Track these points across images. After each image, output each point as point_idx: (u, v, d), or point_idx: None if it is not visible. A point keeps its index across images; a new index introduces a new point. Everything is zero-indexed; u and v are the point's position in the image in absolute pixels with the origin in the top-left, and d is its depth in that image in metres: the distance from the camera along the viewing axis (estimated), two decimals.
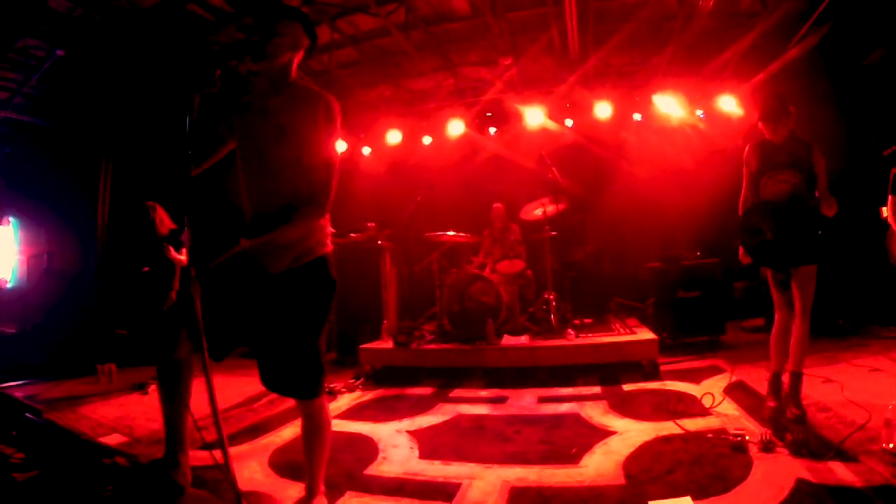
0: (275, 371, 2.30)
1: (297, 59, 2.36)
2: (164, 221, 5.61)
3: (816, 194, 3.39)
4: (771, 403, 3.48)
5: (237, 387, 5.21)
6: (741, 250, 3.67)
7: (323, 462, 2.42)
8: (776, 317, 3.64)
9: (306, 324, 2.26)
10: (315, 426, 2.36)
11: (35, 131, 7.99)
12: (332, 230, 5.03)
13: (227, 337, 2.28)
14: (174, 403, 2.27)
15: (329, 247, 2.41)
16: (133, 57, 6.35)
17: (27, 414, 2.75)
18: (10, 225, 9.07)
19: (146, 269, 5.64)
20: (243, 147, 2.36)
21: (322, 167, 2.24)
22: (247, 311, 2.28)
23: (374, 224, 6.45)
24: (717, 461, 2.82)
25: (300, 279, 2.25)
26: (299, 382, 2.28)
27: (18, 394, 5.34)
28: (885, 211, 4.41)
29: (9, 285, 8.97)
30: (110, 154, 7.64)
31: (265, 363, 2.31)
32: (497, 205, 7.17)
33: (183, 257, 5.58)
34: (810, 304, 3.40)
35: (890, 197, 4.29)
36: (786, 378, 3.51)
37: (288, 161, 2.24)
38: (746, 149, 3.67)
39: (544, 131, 7.99)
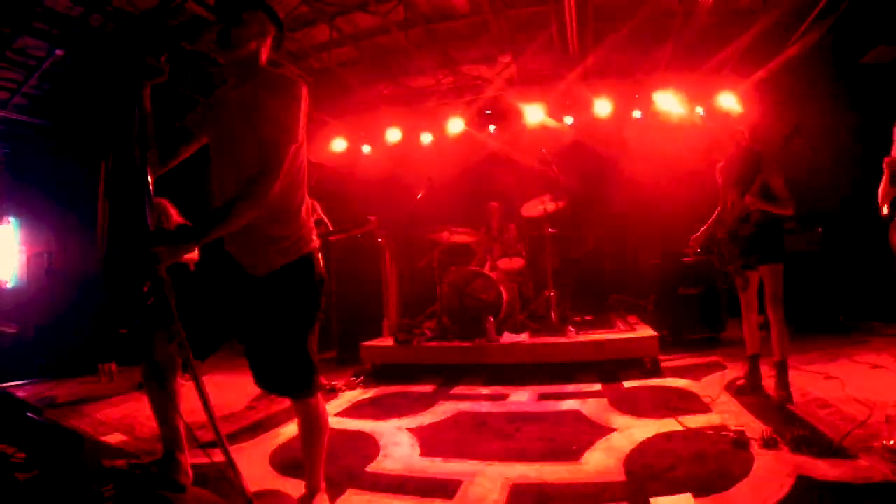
0: (267, 371, 2.28)
1: (265, 48, 2.29)
2: (171, 218, 5.46)
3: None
4: (740, 382, 4.08)
5: (240, 387, 5.22)
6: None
7: (321, 459, 2.41)
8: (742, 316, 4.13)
9: (294, 324, 2.22)
10: (311, 424, 2.35)
11: (35, 131, 7.99)
12: (332, 227, 5.00)
13: (211, 336, 2.26)
14: (162, 404, 2.28)
15: (314, 242, 2.34)
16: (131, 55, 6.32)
17: (28, 413, 2.75)
18: (11, 224, 9.06)
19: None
20: (214, 141, 2.28)
21: (276, 147, 2.06)
22: (233, 313, 2.25)
23: (375, 217, 6.41)
24: (718, 458, 2.82)
25: (285, 280, 2.19)
26: (292, 381, 2.26)
27: (20, 393, 5.35)
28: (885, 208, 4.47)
29: (9, 285, 8.96)
30: (110, 152, 7.62)
31: (257, 364, 2.29)
32: (493, 203, 7.18)
33: (194, 254, 5.51)
34: (779, 294, 3.71)
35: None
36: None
37: (253, 149, 2.11)
38: (718, 167, 4.12)
39: (544, 129, 7.98)
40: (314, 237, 2.36)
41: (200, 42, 2.28)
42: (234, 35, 2.15)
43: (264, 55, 2.29)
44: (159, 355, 2.19)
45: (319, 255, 2.36)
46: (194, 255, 5.53)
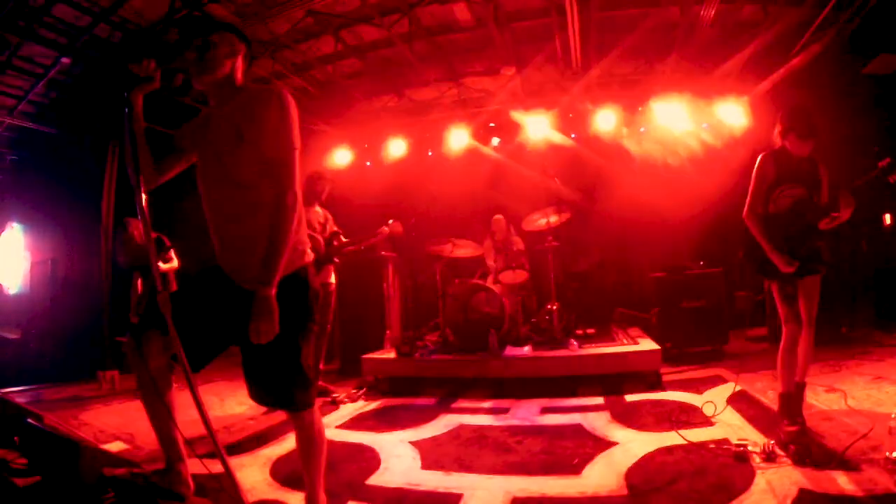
0: (261, 386, 2.24)
1: (240, 65, 2.29)
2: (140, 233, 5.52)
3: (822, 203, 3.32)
4: (792, 427, 3.18)
5: (241, 395, 5.21)
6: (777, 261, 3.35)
7: (320, 473, 2.38)
8: (785, 331, 3.41)
9: (288, 338, 2.14)
10: (308, 438, 2.32)
11: (41, 138, 8.06)
12: (345, 239, 4.92)
13: (205, 348, 2.23)
14: (158, 415, 2.24)
15: (308, 256, 2.29)
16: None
17: (29, 419, 2.75)
18: (16, 231, 9.12)
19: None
20: (203, 159, 2.28)
21: (285, 162, 2.12)
22: (227, 325, 2.18)
23: (391, 223, 6.06)
24: (720, 471, 2.81)
25: (278, 295, 2.08)
26: (287, 395, 2.22)
27: (20, 399, 5.34)
28: (888, 218, 4.37)
29: (13, 291, 9.00)
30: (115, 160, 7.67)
31: (250, 377, 2.24)
32: (497, 216, 7.18)
33: (174, 263, 5.60)
34: (815, 314, 3.30)
35: None
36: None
37: (249, 165, 2.13)
38: (761, 157, 3.48)
39: (547, 141, 8.01)
40: (308, 251, 2.31)
41: (179, 62, 2.28)
42: (208, 59, 2.18)
43: (240, 73, 2.30)
44: (152, 365, 2.16)
45: (313, 270, 2.31)
46: (174, 264, 5.61)
